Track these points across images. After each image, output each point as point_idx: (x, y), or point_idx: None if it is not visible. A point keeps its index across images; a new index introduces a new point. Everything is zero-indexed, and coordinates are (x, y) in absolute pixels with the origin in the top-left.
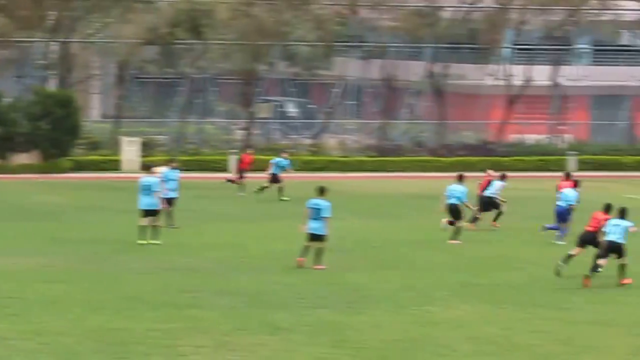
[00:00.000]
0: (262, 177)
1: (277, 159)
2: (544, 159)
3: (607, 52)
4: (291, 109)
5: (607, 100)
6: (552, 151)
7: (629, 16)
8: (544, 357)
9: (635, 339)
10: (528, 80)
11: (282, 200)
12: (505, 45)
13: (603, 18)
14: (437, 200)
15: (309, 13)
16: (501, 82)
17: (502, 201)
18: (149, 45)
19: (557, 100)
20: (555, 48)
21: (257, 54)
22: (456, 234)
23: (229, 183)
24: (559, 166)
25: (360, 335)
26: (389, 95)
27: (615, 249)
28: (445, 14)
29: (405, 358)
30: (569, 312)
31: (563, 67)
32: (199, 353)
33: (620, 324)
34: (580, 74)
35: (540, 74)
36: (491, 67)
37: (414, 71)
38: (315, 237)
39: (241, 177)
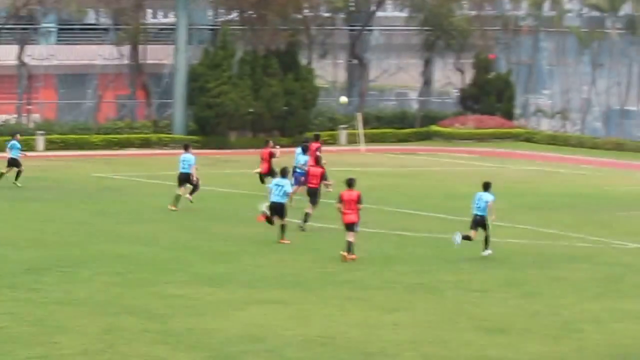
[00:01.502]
0: None
1: (12, 142)
2: None
3: (73, 31)
4: None
5: (74, 79)
6: (20, 131)
7: None
8: (15, 339)
9: (107, 318)
10: None
11: (15, 184)
12: None
13: None
14: None
15: None
16: None
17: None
18: None
19: (24, 79)
20: (21, 27)
21: None
22: (193, 191)
23: None
24: (28, 146)
25: None
26: None
27: (278, 208)
28: None
29: None
30: (39, 293)
31: (29, 46)
32: None
33: (92, 304)
34: (46, 53)
35: (7, 54)
36: None
37: None
38: None
39: None
